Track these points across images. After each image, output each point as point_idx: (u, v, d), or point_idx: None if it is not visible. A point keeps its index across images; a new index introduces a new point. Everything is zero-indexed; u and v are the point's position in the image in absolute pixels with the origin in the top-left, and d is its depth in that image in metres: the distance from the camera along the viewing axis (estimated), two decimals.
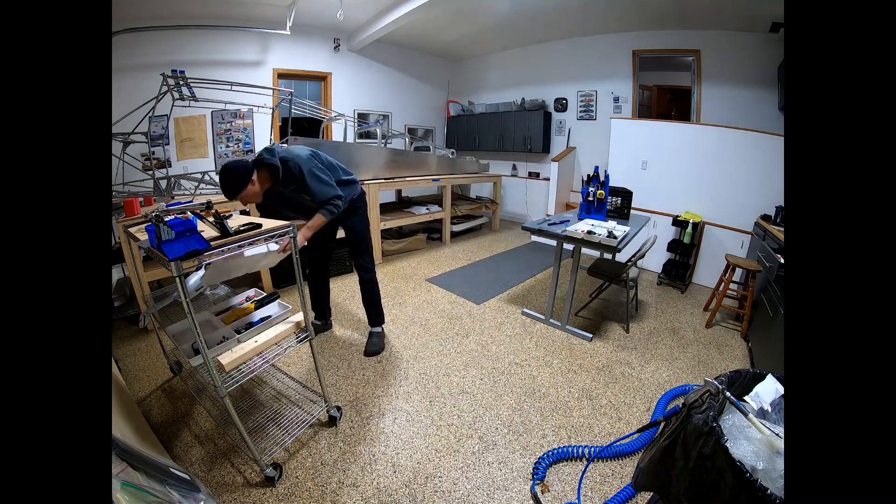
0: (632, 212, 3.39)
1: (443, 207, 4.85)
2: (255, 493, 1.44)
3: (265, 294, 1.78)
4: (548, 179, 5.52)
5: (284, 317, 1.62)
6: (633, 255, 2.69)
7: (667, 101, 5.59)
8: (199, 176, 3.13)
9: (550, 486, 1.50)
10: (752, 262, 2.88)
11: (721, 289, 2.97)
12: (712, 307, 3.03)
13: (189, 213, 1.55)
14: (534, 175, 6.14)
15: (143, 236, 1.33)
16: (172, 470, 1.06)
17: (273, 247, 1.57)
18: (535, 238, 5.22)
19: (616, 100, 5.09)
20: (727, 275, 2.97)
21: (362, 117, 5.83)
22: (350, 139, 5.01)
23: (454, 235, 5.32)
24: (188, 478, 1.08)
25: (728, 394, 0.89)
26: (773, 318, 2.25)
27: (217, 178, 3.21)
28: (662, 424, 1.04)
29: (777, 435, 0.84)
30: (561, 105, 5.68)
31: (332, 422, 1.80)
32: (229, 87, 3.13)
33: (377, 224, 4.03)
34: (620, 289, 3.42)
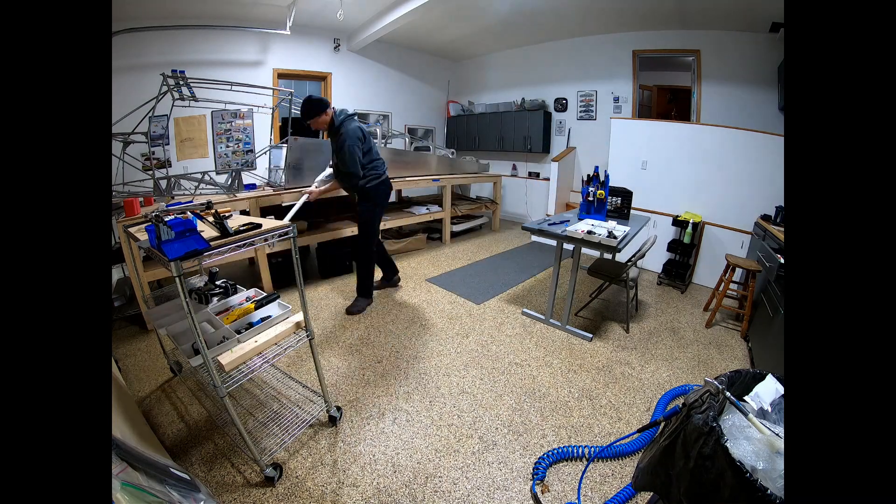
0: (632, 212, 3.38)
1: (443, 207, 4.85)
2: (255, 493, 1.44)
3: (265, 294, 1.78)
4: (548, 179, 5.52)
5: (284, 317, 1.62)
6: (633, 255, 2.69)
7: (667, 101, 5.59)
8: (199, 176, 3.13)
9: (550, 486, 1.50)
10: (752, 262, 2.88)
11: (721, 289, 2.97)
12: (712, 307, 3.03)
13: (189, 213, 1.56)
14: (534, 175, 6.14)
15: (143, 236, 1.33)
16: (172, 470, 1.06)
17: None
18: (535, 238, 5.22)
19: (616, 100, 5.09)
20: (727, 275, 2.97)
21: (362, 117, 5.83)
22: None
23: (454, 235, 5.32)
24: (188, 478, 1.08)
25: (728, 394, 0.89)
26: (773, 318, 2.25)
27: (217, 179, 3.23)
28: (662, 424, 1.04)
29: (777, 435, 0.84)
30: (561, 105, 5.68)
31: (332, 422, 1.80)
32: (229, 87, 3.13)
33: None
34: (620, 289, 3.42)
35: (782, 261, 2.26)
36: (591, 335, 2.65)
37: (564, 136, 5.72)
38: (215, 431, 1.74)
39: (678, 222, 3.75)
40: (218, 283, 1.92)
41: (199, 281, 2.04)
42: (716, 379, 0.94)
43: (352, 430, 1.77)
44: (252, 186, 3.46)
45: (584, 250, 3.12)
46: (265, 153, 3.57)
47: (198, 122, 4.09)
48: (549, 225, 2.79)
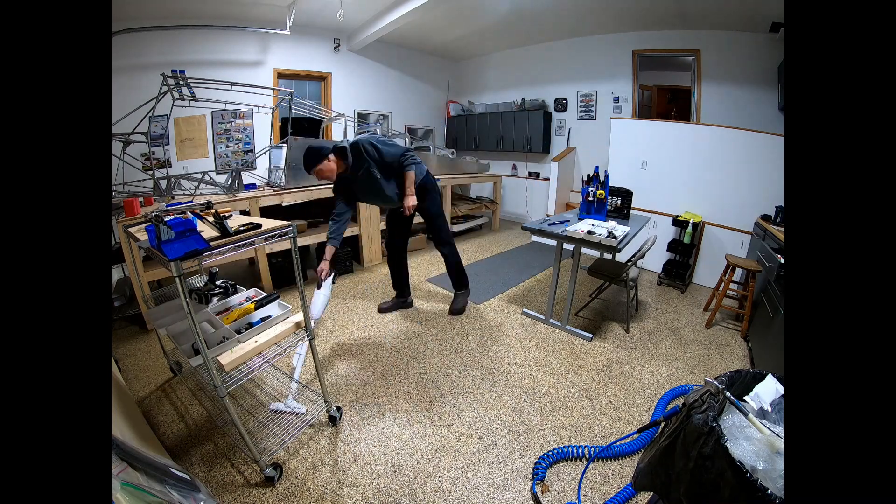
0: (632, 212, 3.38)
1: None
2: (255, 493, 1.44)
3: (265, 294, 1.78)
4: (548, 179, 5.52)
5: (284, 317, 1.62)
6: (633, 255, 2.69)
7: (667, 101, 5.59)
8: (199, 176, 3.13)
9: (550, 486, 1.50)
10: (752, 262, 2.88)
11: (721, 289, 2.97)
12: (712, 307, 3.03)
13: (189, 213, 1.56)
14: (534, 175, 6.14)
15: (143, 236, 1.33)
16: (172, 470, 1.06)
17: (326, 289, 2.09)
18: (535, 238, 5.22)
19: (616, 100, 5.09)
20: (727, 275, 2.97)
21: (362, 117, 5.83)
22: (350, 139, 5.01)
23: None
24: (188, 478, 1.08)
25: (728, 394, 0.89)
26: (773, 318, 2.25)
27: (217, 179, 3.23)
28: (662, 424, 1.04)
29: (777, 435, 0.84)
30: (561, 105, 5.68)
31: (332, 422, 1.80)
32: (229, 87, 3.13)
33: (376, 224, 4.03)
34: (620, 289, 3.42)
35: (782, 261, 2.26)
36: (591, 335, 2.65)
37: (564, 136, 5.72)
38: (215, 431, 1.75)
39: (678, 222, 3.75)
40: (218, 283, 1.92)
41: (199, 281, 2.04)
42: (716, 379, 0.94)
43: (352, 430, 1.77)
44: (252, 186, 3.46)
45: (584, 250, 3.12)
46: (265, 153, 3.57)
47: (198, 122, 4.09)
48: (549, 225, 2.79)
